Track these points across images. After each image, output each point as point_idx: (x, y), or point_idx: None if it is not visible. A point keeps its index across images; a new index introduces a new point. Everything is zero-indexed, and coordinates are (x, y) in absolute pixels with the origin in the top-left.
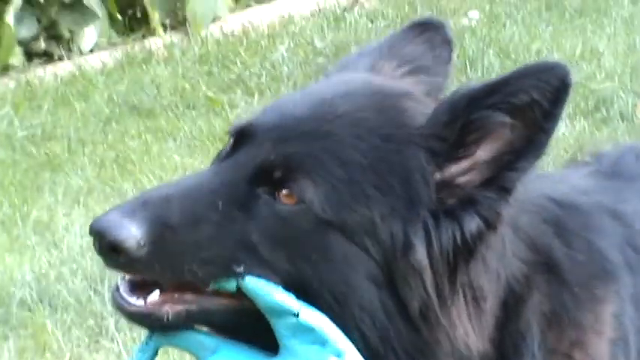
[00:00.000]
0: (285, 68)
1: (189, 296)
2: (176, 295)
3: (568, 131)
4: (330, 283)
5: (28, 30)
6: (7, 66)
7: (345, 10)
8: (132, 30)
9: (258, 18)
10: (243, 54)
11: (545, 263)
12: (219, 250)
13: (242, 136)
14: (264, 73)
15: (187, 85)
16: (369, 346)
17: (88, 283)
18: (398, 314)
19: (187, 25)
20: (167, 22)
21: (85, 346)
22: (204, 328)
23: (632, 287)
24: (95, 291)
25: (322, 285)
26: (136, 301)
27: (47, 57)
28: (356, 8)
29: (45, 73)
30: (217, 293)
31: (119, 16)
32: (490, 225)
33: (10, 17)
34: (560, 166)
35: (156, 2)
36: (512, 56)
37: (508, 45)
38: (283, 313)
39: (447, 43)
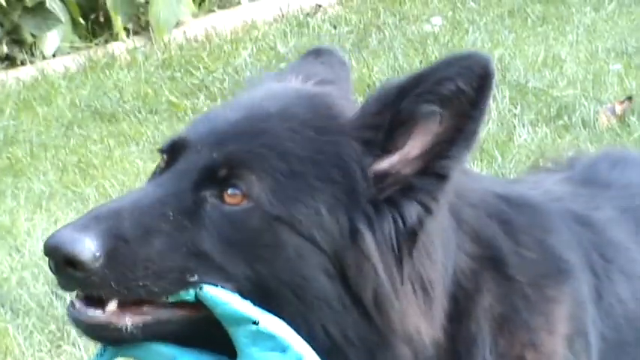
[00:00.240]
0: (248, 73)
1: (146, 308)
2: (134, 307)
3: (530, 138)
4: (286, 279)
5: None
6: None
7: (307, 15)
8: (94, 35)
9: (222, 23)
10: (206, 59)
11: (490, 258)
12: (172, 262)
13: (176, 149)
14: (227, 78)
15: (150, 90)
16: (330, 339)
17: (50, 288)
18: (352, 304)
19: (150, 30)
20: (130, 26)
21: (47, 351)
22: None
23: (595, 291)
24: (57, 295)
25: (279, 283)
26: (94, 312)
27: (9, 61)
28: (319, 14)
29: (7, 77)
30: (175, 305)
31: (82, 21)
32: (429, 210)
33: None
34: (522, 172)
35: (118, 7)
36: None
37: None
38: (242, 321)
39: (344, 64)
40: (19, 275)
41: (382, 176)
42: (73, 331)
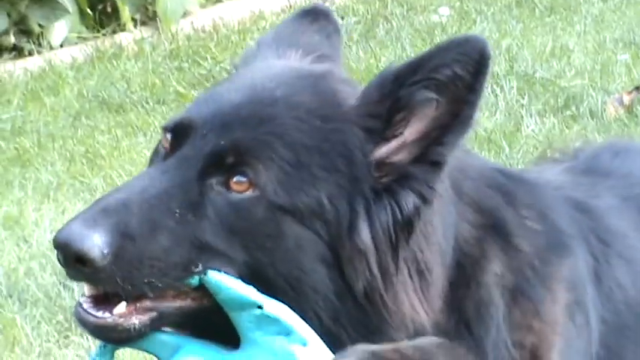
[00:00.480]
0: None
1: (150, 303)
2: (139, 305)
3: (538, 128)
4: (284, 269)
5: None
6: None
7: None
8: (102, 25)
9: (229, 13)
10: (213, 49)
11: (494, 226)
12: (176, 258)
13: (181, 131)
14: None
15: (157, 81)
16: (323, 328)
17: (58, 278)
18: (346, 294)
19: (158, 20)
20: (137, 17)
21: (55, 341)
22: (167, 328)
23: (594, 273)
24: (65, 286)
25: (277, 272)
26: (102, 314)
27: (17, 52)
28: (326, 4)
29: (14, 68)
30: (177, 296)
31: (89, 11)
32: (425, 200)
33: None
34: (530, 163)
35: None
36: None
37: None
38: (247, 305)
39: (338, 31)
40: (27, 266)
41: (381, 164)
42: None
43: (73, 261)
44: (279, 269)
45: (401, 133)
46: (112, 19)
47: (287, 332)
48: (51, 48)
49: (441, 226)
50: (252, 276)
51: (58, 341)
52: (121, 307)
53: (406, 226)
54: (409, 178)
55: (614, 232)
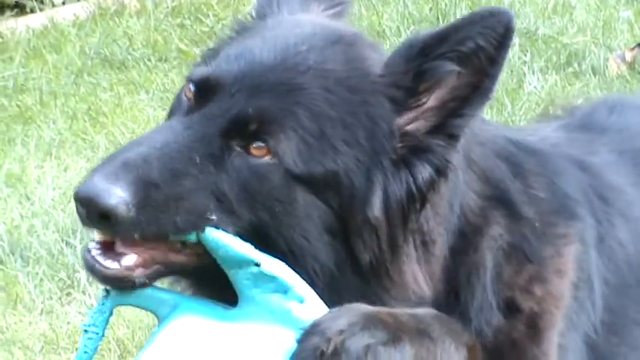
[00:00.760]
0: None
1: (158, 255)
2: (147, 257)
3: (540, 85)
4: (288, 234)
5: None
6: None
7: None
8: None
9: None
10: (215, 6)
11: (499, 198)
12: (198, 200)
13: (208, 87)
14: None
15: (160, 38)
16: (319, 292)
17: (60, 236)
18: (348, 265)
19: None
20: None
21: (57, 299)
22: (163, 285)
23: (597, 235)
24: (67, 243)
25: (280, 235)
26: (111, 264)
27: (19, 9)
28: None
29: (17, 25)
30: (181, 251)
31: None
32: (440, 173)
33: None
34: (532, 120)
35: None
36: None
37: None
38: (244, 263)
39: None
40: (30, 223)
41: (402, 135)
42: (83, 279)
43: (97, 216)
44: (283, 233)
45: (425, 102)
46: None
47: (284, 290)
48: (53, 5)
49: (448, 196)
50: (254, 236)
51: (60, 298)
52: (129, 260)
53: (419, 199)
54: (426, 151)
55: (614, 190)
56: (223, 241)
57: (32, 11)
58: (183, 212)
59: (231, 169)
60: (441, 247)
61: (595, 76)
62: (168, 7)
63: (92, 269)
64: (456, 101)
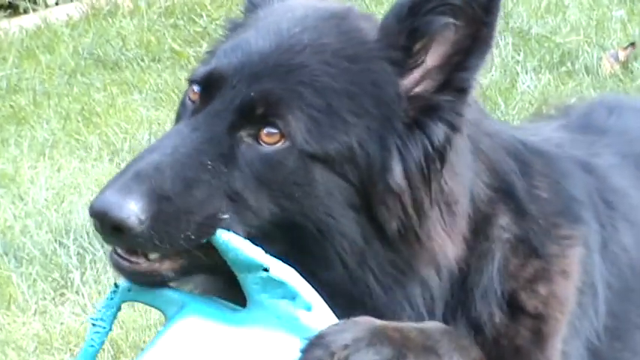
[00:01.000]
0: None
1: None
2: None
3: (533, 85)
4: (313, 216)
5: None
6: None
7: None
8: None
9: None
10: (208, 6)
11: (506, 191)
12: (210, 208)
13: (212, 83)
14: None
15: (153, 38)
16: (349, 272)
17: (53, 236)
18: (375, 236)
19: None
20: None
21: (51, 299)
22: (173, 284)
23: (600, 239)
24: (60, 244)
25: (305, 219)
26: (137, 260)
27: (12, 9)
28: None
29: (10, 26)
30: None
31: None
32: (455, 128)
33: None
34: (525, 119)
35: None
36: None
37: None
38: (253, 267)
39: None
40: (23, 223)
41: (411, 98)
42: (77, 279)
43: (111, 229)
44: (308, 216)
45: (423, 62)
46: None
47: (292, 296)
48: (46, 5)
49: (465, 165)
50: (279, 225)
51: (53, 299)
52: (155, 254)
53: (438, 158)
54: (437, 109)
55: (617, 192)
56: (234, 244)
57: (25, 12)
58: (196, 222)
59: (244, 165)
60: (464, 208)
61: (588, 76)
62: (161, 7)
63: (119, 267)
64: (458, 55)
